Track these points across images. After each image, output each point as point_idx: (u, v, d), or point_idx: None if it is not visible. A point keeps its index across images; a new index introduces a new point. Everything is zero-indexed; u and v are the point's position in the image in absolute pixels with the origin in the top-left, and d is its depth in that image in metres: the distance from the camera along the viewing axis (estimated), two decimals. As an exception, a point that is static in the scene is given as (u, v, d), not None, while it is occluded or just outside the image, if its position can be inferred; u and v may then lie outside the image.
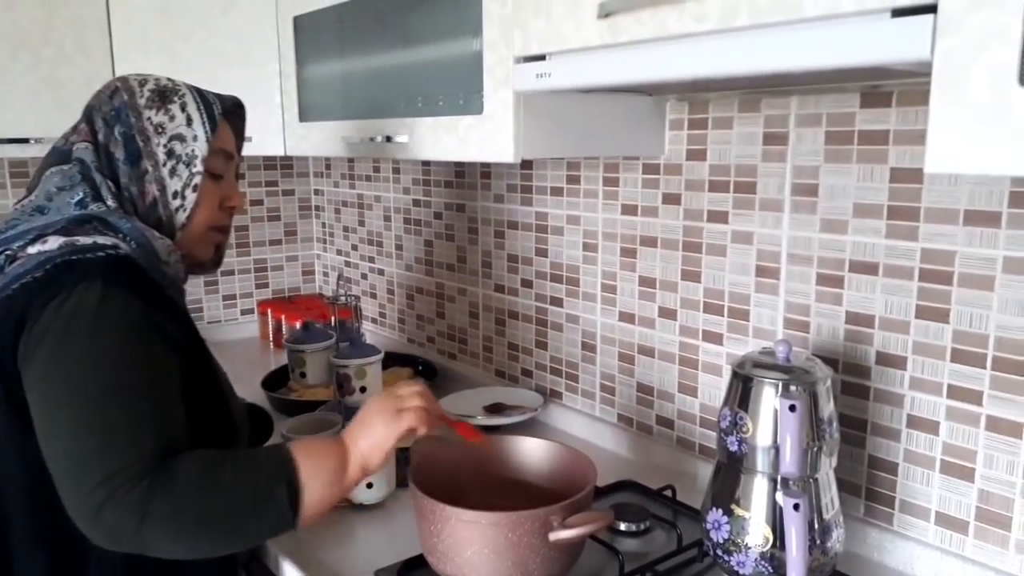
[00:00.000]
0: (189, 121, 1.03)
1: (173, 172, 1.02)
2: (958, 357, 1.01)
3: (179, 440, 0.87)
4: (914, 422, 1.07)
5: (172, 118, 1.02)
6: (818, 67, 0.77)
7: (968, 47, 0.64)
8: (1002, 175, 0.64)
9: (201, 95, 1.06)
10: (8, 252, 0.95)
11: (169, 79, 1.07)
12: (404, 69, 1.38)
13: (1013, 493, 0.98)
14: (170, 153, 1.01)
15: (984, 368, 0.99)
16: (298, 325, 1.95)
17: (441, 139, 1.26)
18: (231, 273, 2.38)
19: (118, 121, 1.01)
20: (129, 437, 0.83)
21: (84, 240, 0.93)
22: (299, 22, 1.65)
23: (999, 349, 0.97)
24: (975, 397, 1.00)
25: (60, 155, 1.03)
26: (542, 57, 1.06)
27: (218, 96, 1.08)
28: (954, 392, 1.02)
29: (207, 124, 1.04)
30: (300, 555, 1.14)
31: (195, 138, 1.03)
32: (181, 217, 1.03)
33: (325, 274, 2.51)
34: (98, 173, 1.00)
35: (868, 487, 1.13)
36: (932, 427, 1.05)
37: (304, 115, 1.69)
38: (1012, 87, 0.62)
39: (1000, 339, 0.97)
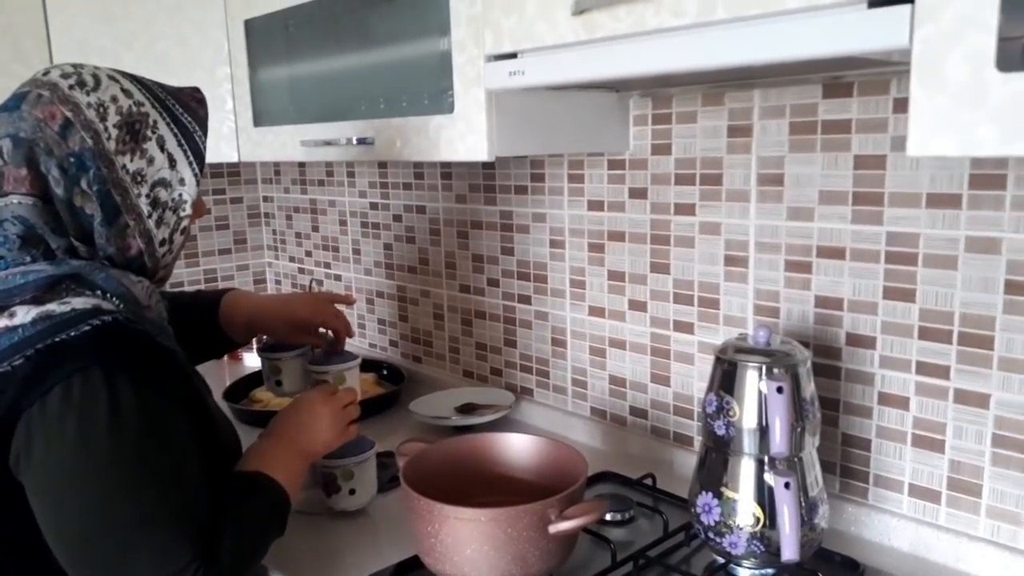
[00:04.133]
0: (172, 163, 0.89)
1: (160, 222, 0.90)
2: (925, 334, 1.06)
3: (210, 509, 0.85)
4: (885, 399, 1.11)
5: (151, 161, 0.88)
6: (798, 58, 0.79)
7: (946, 34, 0.67)
8: (982, 156, 0.67)
9: (175, 119, 0.91)
10: None
11: (123, 92, 0.89)
12: (365, 71, 1.37)
13: (982, 461, 1.03)
14: (155, 203, 0.89)
15: (951, 344, 1.03)
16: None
17: (410, 140, 1.26)
18: (180, 285, 2.32)
19: (83, 171, 0.84)
20: (179, 530, 0.80)
21: (59, 309, 0.81)
22: (251, 25, 1.61)
23: (964, 325, 1.02)
24: (943, 372, 1.05)
25: None
26: (513, 55, 1.07)
27: (186, 109, 0.94)
28: (923, 368, 1.07)
29: (194, 164, 0.92)
30: (287, 566, 1.12)
31: (182, 181, 0.90)
32: (168, 259, 0.95)
33: (278, 282, 2.46)
34: (53, 234, 0.85)
35: (843, 464, 1.17)
36: (902, 403, 1.09)
37: (259, 120, 1.65)
38: (990, 71, 0.65)
39: (965, 315, 1.02)
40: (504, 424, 1.60)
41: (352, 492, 1.22)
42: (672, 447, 1.40)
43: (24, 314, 0.80)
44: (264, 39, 1.60)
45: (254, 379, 1.81)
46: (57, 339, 0.79)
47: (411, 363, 1.96)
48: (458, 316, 1.81)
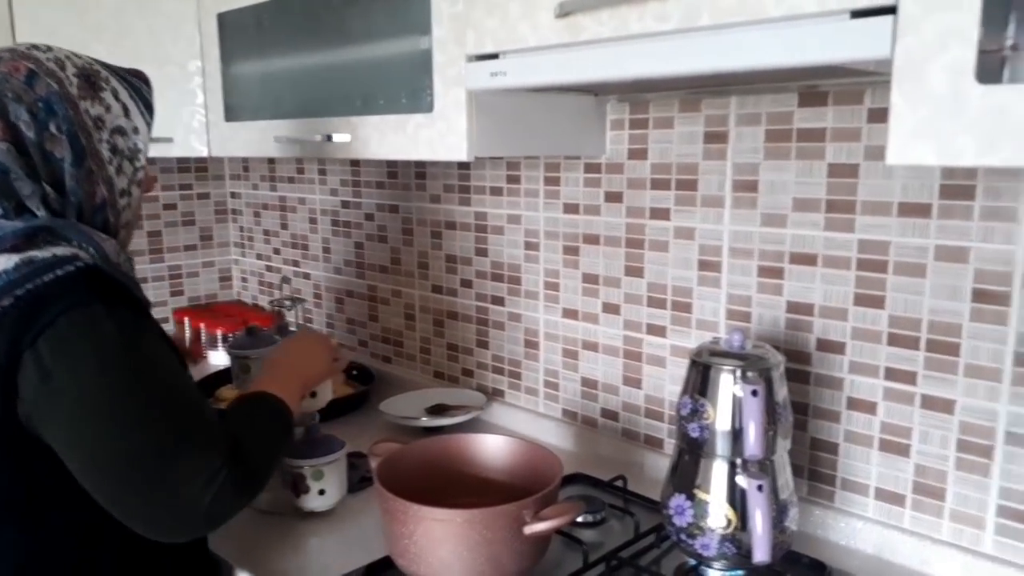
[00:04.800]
0: (126, 112, 0.96)
1: (119, 170, 0.95)
2: (894, 340, 1.08)
3: (218, 423, 0.90)
4: (854, 404, 1.13)
5: (108, 109, 0.93)
6: (780, 66, 0.80)
7: (927, 46, 0.68)
8: (960, 166, 0.68)
9: (123, 79, 0.98)
10: None
11: (75, 54, 0.95)
12: (342, 67, 1.36)
13: (946, 466, 1.05)
14: (114, 149, 0.94)
15: (918, 350, 1.06)
16: (239, 331, 1.90)
17: (387, 138, 1.25)
18: (144, 280, 2.27)
19: (51, 115, 0.88)
20: (208, 440, 0.85)
21: (41, 254, 0.84)
22: (224, 19, 1.59)
23: (932, 332, 1.04)
24: (910, 378, 1.07)
25: None
26: (495, 56, 1.07)
27: (135, 75, 1.01)
28: (891, 374, 1.09)
29: (145, 114, 0.98)
30: (255, 566, 1.10)
31: (135, 130, 0.96)
32: (127, 216, 0.98)
33: (244, 280, 2.43)
34: (28, 179, 0.88)
35: (811, 468, 1.19)
36: (870, 407, 1.11)
37: (231, 115, 1.63)
38: (970, 83, 0.67)
39: (932, 322, 1.04)
40: (475, 425, 1.59)
41: (321, 492, 1.21)
42: (643, 449, 1.41)
43: (5, 261, 0.83)
44: (238, 33, 1.57)
45: (220, 378, 1.78)
46: (45, 279, 0.82)
47: (381, 363, 1.95)
48: (430, 317, 1.80)
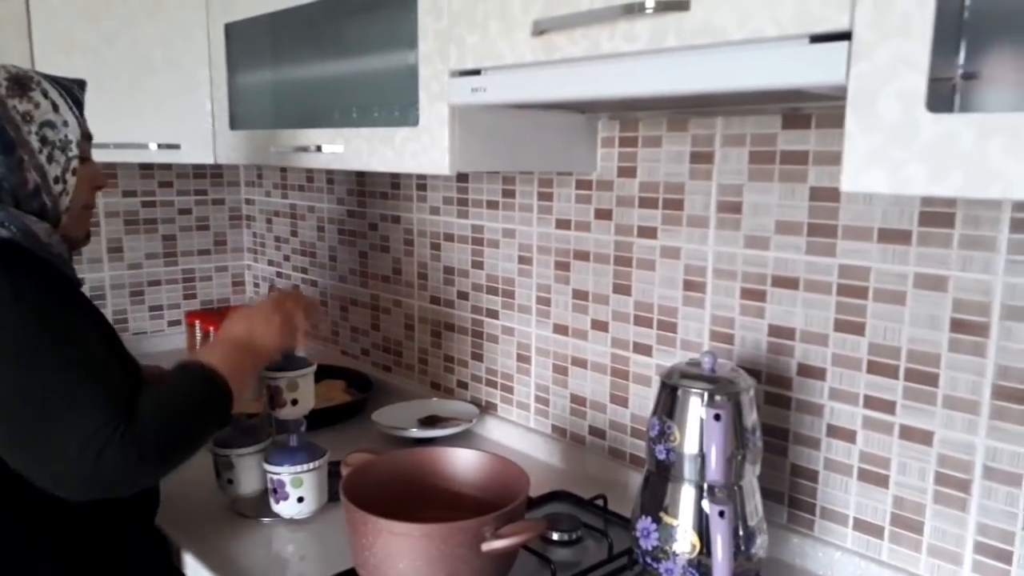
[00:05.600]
0: (55, 108, 1.04)
1: (51, 159, 1.03)
2: (873, 368, 1.06)
3: (125, 389, 0.92)
4: (833, 431, 1.11)
5: (37, 106, 1.02)
6: (741, 88, 0.80)
7: (879, 73, 0.68)
8: (911, 194, 0.67)
9: (56, 81, 1.07)
10: None
11: (15, 66, 1.06)
12: (339, 80, 1.38)
13: (924, 499, 1.03)
14: (43, 140, 1.02)
15: (897, 379, 1.04)
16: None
17: (377, 150, 1.26)
18: (158, 283, 2.32)
19: None
20: (91, 397, 0.88)
21: None
22: (231, 29, 1.62)
23: (911, 361, 1.02)
24: (888, 407, 1.05)
25: None
26: (477, 72, 1.07)
27: (71, 81, 1.09)
28: (870, 402, 1.07)
29: (74, 109, 1.06)
30: (231, 572, 1.11)
31: (65, 124, 1.04)
32: (64, 201, 1.05)
33: (256, 285, 2.46)
34: None
35: (791, 495, 1.17)
36: (850, 436, 1.09)
37: (235, 123, 1.66)
38: (920, 111, 0.65)
39: (911, 351, 1.02)
40: (465, 438, 1.59)
41: (300, 500, 1.22)
42: (628, 468, 1.39)
43: None
44: (243, 43, 1.60)
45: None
46: None
47: (382, 372, 1.96)
48: (428, 327, 1.81)
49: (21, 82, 1.02)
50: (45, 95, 1.03)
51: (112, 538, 1.08)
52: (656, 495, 1.01)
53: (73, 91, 1.07)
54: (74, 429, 0.86)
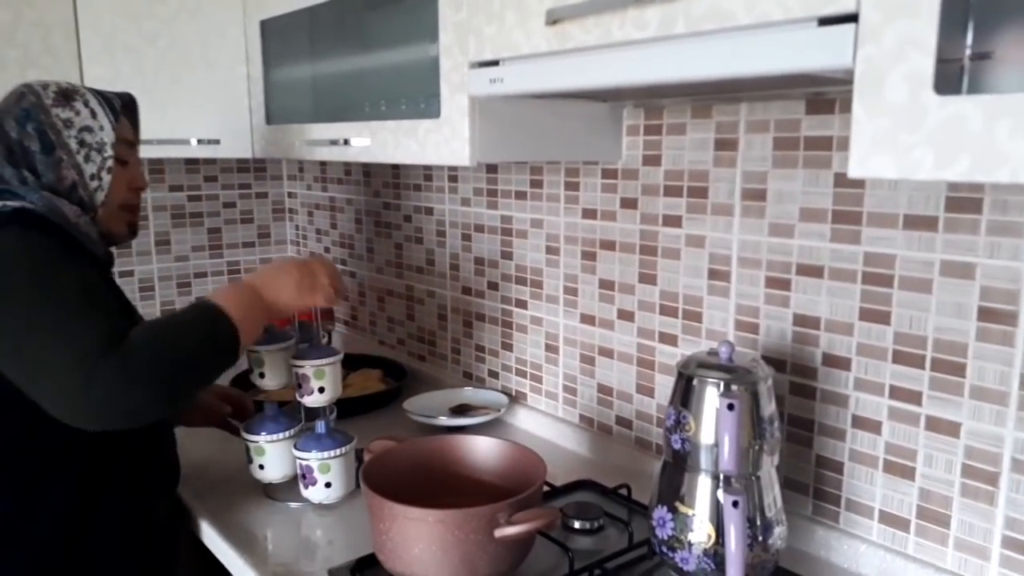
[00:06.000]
0: (94, 115, 1.17)
1: (87, 159, 1.15)
2: (899, 358, 1.03)
3: (125, 325, 0.97)
4: (858, 422, 1.09)
5: (77, 113, 1.16)
6: (748, 74, 0.79)
7: (887, 55, 0.66)
8: (918, 179, 0.66)
9: (100, 93, 1.20)
10: None
11: (69, 83, 1.20)
12: (368, 73, 1.40)
13: (951, 492, 1.00)
14: (81, 143, 1.15)
15: (923, 369, 1.01)
16: (288, 325, 1.96)
17: (401, 142, 1.28)
18: (204, 275, 2.39)
19: (29, 120, 1.14)
20: (84, 327, 0.94)
21: None
22: (266, 26, 1.66)
23: (937, 350, 0.99)
24: (915, 397, 1.02)
25: None
26: (495, 63, 1.08)
27: (115, 94, 1.22)
28: (896, 393, 1.04)
29: (110, 116, 1.18)
30: (257, 555, 1.15)
31: (101, 128, 1.17)
32: (100, 196, 1.17)
33: (298, 277, 2.51)
34: (9, 166, 1.12)
35: (816, 486, 1.15)
36: (875, 427, 1.07)
37: (271, 118, 1.70)
38: (927, 94, 0.64)
39: (938, 340, 0.99)
40: (494, 427, 1.61)
41: (328, 485, 1.25)
42: (654, 459, 1.39)
43: None
44: (277, 39, 1.64)
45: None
46: None
47: (416, 361, 1.99)
48: (460, 317, 1.82)
49: (67, 95, 1.17)
50: (86, 104, 1.17)
51: (135, 509, 1.18)
52: (672, 484, 1.01)
53: (113, 102, 1.20)
54: (67, 348, 0.92)
